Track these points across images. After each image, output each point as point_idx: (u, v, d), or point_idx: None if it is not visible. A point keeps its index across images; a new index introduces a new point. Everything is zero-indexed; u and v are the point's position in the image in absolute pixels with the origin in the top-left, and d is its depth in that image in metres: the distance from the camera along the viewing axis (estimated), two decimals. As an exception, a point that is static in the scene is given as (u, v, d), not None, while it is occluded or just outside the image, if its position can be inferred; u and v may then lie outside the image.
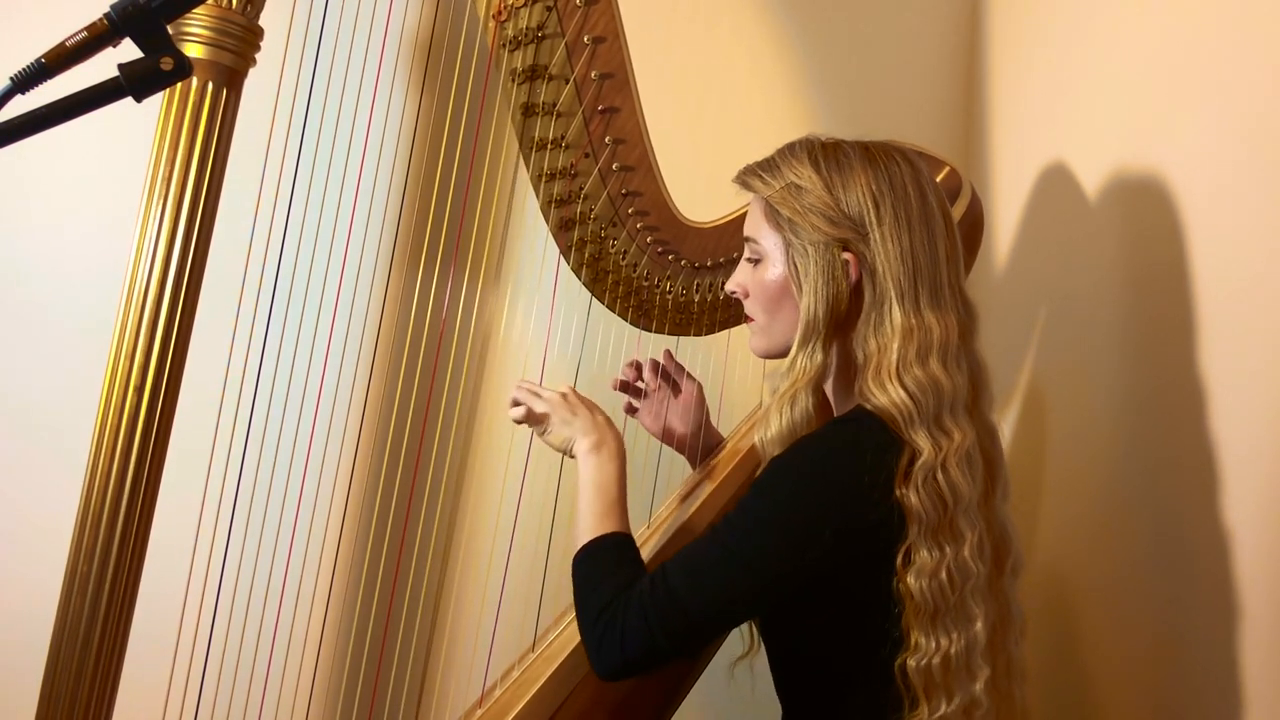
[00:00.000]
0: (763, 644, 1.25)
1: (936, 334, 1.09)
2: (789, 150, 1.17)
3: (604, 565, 1.14)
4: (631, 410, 1.51)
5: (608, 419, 1.27)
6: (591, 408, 1.27)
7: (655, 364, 1.49)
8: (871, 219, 1.11)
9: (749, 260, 1.20)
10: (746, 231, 1.20)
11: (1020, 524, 1.21)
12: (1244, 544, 1.21)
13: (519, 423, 1.29)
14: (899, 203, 1.11)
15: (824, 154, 1.15)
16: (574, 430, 1.25)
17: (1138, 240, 1.46)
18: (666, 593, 1.07)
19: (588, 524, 1.18)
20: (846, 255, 1.12)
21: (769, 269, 1.17)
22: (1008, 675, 1.16)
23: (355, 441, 1.69)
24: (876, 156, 1.14)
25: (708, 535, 1.11)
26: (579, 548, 1.17)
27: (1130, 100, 1.49)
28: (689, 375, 1.50)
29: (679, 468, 1.53)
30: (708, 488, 1.39)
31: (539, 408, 1.27)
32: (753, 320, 1.21)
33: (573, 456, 1.25)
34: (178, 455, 1.26)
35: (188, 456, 1.31)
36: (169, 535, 1.29)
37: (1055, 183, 1.70)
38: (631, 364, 1.50)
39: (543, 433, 1.28)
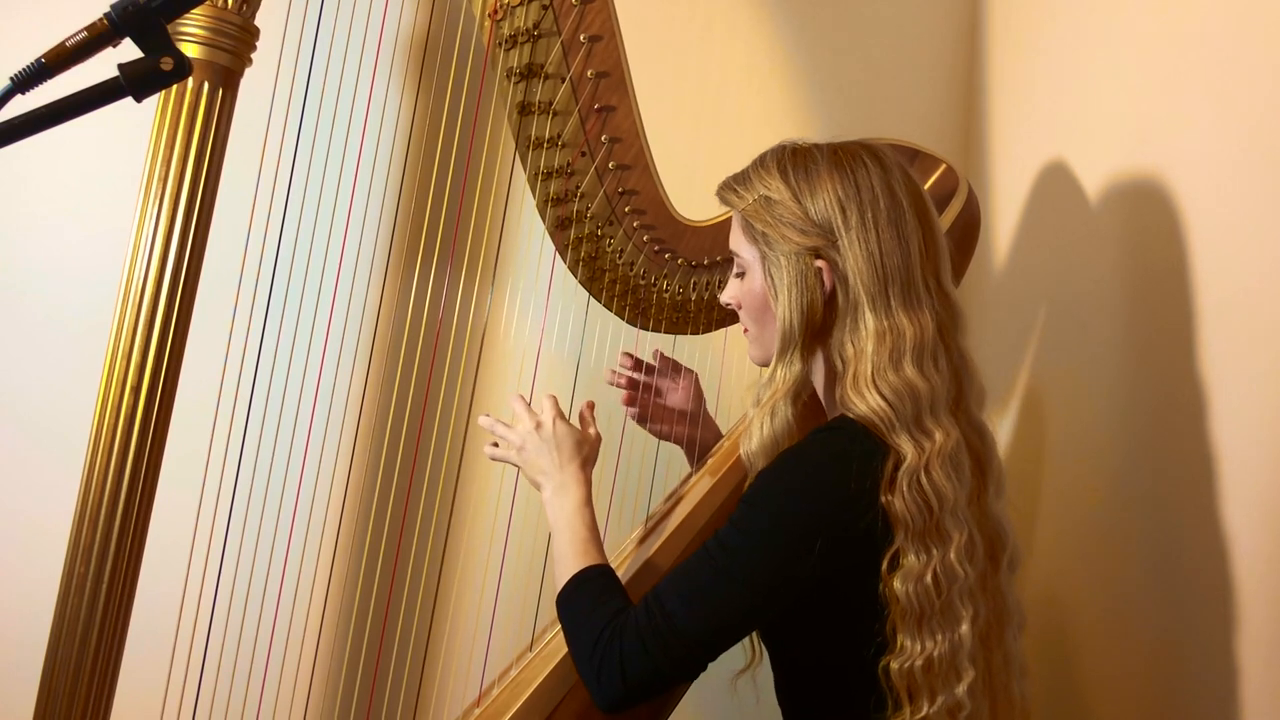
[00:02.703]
0: (765, 650, 1.25)
1: (909, 335, 1.09)
2: (760, 161, 1.18)
3: (589, 598, 1.14)
4: (633, 412, 1.52)
5: (575, 452, 1.25)
6: (559, 444, 1.25)
7: (638, 362, 1.50)
8: (839, 225, 1.11)
9: (736, 273, 1.21)
10: (730, 245, 1.21)
11: (1018, 527, 1.21)
12: (1244, 547, 1.20)
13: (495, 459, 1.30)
14: (865, 205, 1.11)
15: (793, 163, 1.15)
16: (536, 472, 1.26)
17: (1138, 241, 1.46)
18: (664, 618, 1.07)
19: (564, 564, 1.19)
20: (819, 263, 1.12)
21: (752, 281, 1.18)
22: (1006, 670, 1.16)
23: (352, 440, 1.70)
24: (843, 160, 1.14)
25: (699, 554, 1.11)
26: (560, 587, 1.17)
27: (1130, 100, 1.49)
28: (684, 367, 1.52)
29: (678, 467, 1.53)
30: (703, 488, 1.39)
31: (509, 459, 1.27)
32: (748, 331, 1.22)
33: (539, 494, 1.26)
34: (175, 454, 1.26)
35: (185, 455, 1.31)
36: (167, 534, 1.29)
37: (1055, 183, 1.70)
38: (624, 355, 1.50)
39: (520, 468, 1.28)
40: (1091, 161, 1.59)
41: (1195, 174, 1.33)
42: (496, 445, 1.31)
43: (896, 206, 1.12)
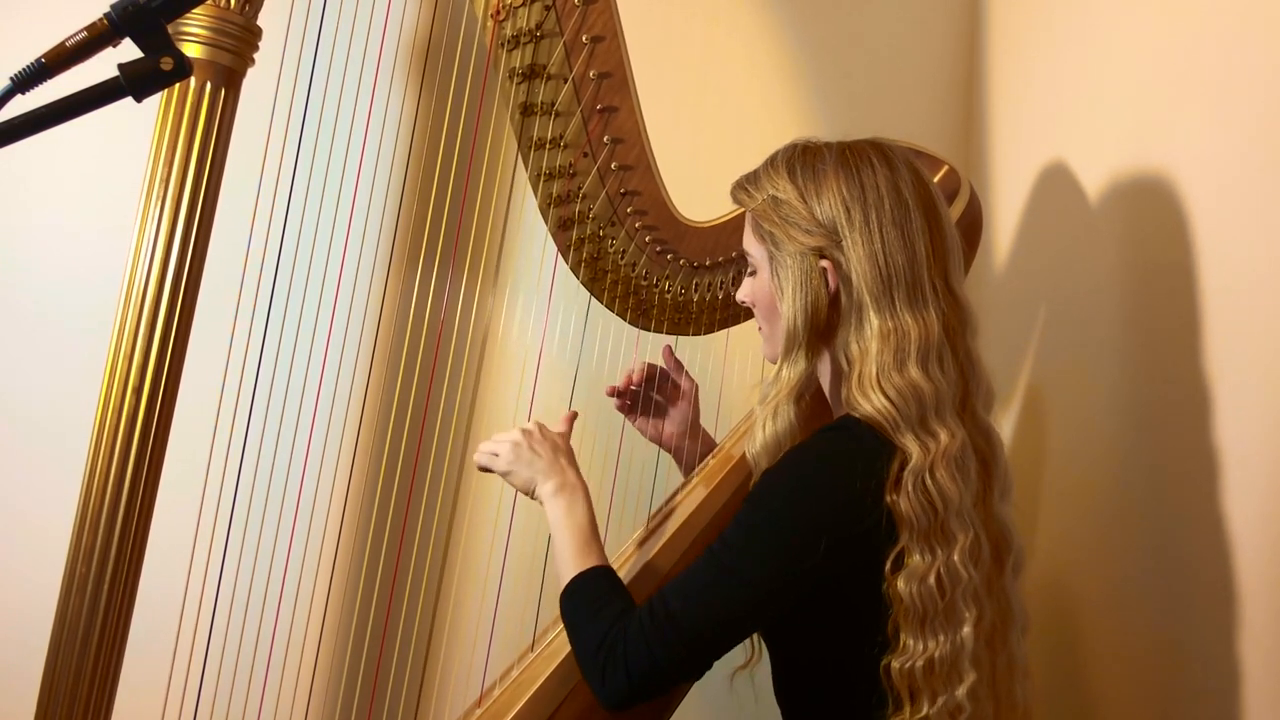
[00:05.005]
0: (765, 649, 1.25)
1: (914, 335, 1.09)
2: (770, 161, 1.18)
3: (593, 599, 1.14)
4: (625, 410, 1.51)
5: (569, 456, 1.26)
6: (554, 447, 1.26)
7: (647, 369, 1.48)
8: (843, 225, 1.11)
9: (750, 271, 1.22)
10: (743, 244, 1.22)
11: (1019, 527, 1.21)
12: (1245, 546, 1.20)
13: (483, 470, 1.29)
14: (870, 206, 1.11)
15: (801, 162, 1.15)
16: (535, 472, 1.24)
17: (1138, 240, 1.46)
18: (667, 617, 1.07)
19: (567, 564, 1.19)
20: (823, 263, 1.12)
21: (762, 280, 1.19)
22: (1009, 674, 1.16)
23: (354, 440, 1.69)
24: (850, 160, 1.14)
25: (704, 554, 1.11)
26: (563, 587, 1.17)
27: (1131, 100, 1.49)
28: (687, 375, 1.50)
29: (677, 469, 1.53)
30: (701, 492, 1.38)
31: (499, 466, 1.26)
32: (762, 329, 1.23)
33: (536, 499, 1.25)
34: (176, 455, 1.26)
35: (186, 456, 1.31)
36: (168, 535, 1.29)
37: (1055, 183, 1.70)
38: (628, 373, 1.49)
39: (506, 477, 1.27)
40: (1091, 161, 1.59)
41: (1195, 173, 1.33)
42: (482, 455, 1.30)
43: (902, 206, 1.12)
